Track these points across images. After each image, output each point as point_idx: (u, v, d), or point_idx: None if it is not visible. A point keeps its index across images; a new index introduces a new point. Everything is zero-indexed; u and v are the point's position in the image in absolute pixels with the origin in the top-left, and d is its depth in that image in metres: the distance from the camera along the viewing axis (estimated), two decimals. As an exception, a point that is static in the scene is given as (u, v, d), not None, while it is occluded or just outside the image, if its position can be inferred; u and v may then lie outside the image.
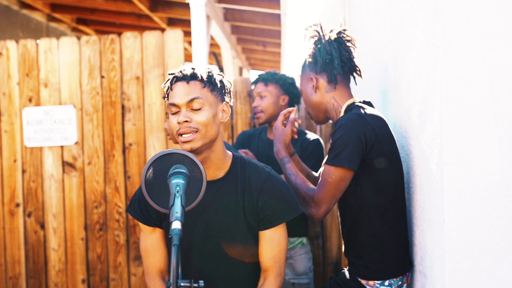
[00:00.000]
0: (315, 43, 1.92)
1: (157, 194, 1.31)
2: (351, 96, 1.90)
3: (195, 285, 1.11)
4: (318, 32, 1.93)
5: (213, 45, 6.38)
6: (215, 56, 6.53)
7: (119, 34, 3.51)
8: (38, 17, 6.07)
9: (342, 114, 1.85)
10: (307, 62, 1.96)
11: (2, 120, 3.54)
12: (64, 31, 6.77)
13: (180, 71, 1.54)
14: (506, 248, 1.38)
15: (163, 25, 5.80)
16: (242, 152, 2.44)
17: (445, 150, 1.40)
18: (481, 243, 1.39)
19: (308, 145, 2.49)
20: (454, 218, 1.40)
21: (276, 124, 2.00)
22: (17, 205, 3.53)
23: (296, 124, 2.05)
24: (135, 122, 3.44)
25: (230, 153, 1.64)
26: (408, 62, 1.77)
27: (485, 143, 1.38)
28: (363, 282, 1.77)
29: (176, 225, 1.09)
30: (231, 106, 1.65)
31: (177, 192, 1.20)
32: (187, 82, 1.51)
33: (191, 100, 1.49)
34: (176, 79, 1.53)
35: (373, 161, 1.72)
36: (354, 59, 1.93)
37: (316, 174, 2.16)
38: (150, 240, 1.66)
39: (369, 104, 1.91)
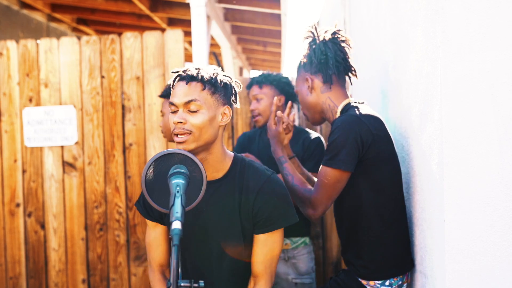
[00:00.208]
0: (310, 43, 1.93)
1: (158, 194, 1.31)
2: (346, 96, 1.90)
3: (195, 285, 1.11)
4: (313, 33, 1.93)
5: (214, 45, 6.38)
6: (215, 56, 6.52)
7: (119, 34, 3.51)
8: (39, 17, 6.07)
9: (338, 114, 1.86)
10: (302, 63, 1.96)
11: (3, 120, 3.54)
12: (64, 31, 6.77)
13: (184, 71, 1.53)
14: (506, 248, 1.38)
15: (163, 25, 5.80)
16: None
17: (445, 150, 1.40)
18: (481, 243, 1.39)
19: (310, 143, 2.49)
20: (454, 218, 1.40)
21: (269, 124, 2.00)
22: (18, 205, 3.53)
23: (295, 120, 2.03)
24: (136, 122, 3.44)
25: (231, 154, 1.63)
26: (408, 62, 1.77)
27: (486, 143, 1.38)
28: (364, 282, 1.77)
29: (176, 225, 1.09)
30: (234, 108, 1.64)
31: (177, 192, 1.20)
32: (187, 83, 1.50)
33: (188, 102, 1.48)
34: (179, 78, 1.53)
35: (370, 161, 1.72)
36: (349, 59, 1.93)
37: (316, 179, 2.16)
38: (154, 234, 1.68)
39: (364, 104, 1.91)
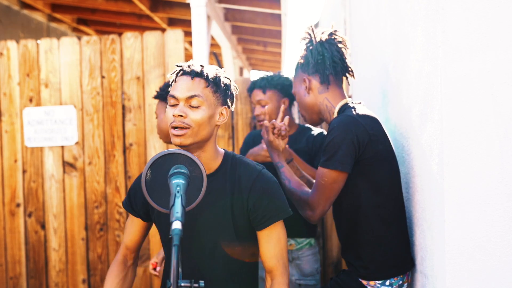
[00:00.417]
0: (307, 44, 1.94)
1: (158, 194, 1.31)
2: (344, 97, 1.90)
3: (195, 285, 1.11)
4: (310, 34, 1.94)
5: (214, 45, 6.38)
6: (215, 56, 6.52)
7: (120, 34, 3.52)
8: (39, 17, 6.07)
9: (335, 115, 1.86)
10: (299, 64, 1.96)
11: (3, 120, 3.54)
12: (65, 31, 6.78)
13: (189, 66, 1.54)
14: (507, 248, 1.38)
15: (164, 25, 5.80)
16: None
17: (446, 150, 1.40)
18: (481, 243, 1.39)
19: (314, 140, 2.48)
20: (455, 218, 1.40)
21: (262, 133, 2.02)
22: (18, 205, 3.53)
23: (285, 127, 2.01)
24: (136, 122, 3.44)
25: (222, 150, 1.64)
26: (409, 62, 1.77)
27: (486, 143, 1.38)
28: (364, 282, 1.77)
29: (177, 225, 1.09)
30: (232, 111, 1.65)
31: (178, 192, 1.20)
32: (192, 78, 1.51)
33: (191, 97, 1.49)
34: (183, 72, 1.53)
35: (368, 161, 1.73)
36: (346, 60, 1.93)
37: None
38: (130, 222, 1.74)
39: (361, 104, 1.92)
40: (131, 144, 3.44)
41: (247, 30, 6.14)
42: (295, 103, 2.69)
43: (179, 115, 1.47)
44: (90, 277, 3.49)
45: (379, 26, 2.30)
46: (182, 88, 1.50)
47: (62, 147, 3.50)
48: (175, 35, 3.43)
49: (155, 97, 2.41)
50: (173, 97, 1.50)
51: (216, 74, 1.56)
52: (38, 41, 3.56)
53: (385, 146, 1.77)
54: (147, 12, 5.07)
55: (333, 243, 3.38)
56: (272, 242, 1.60)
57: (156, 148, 3.39)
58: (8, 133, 3.54)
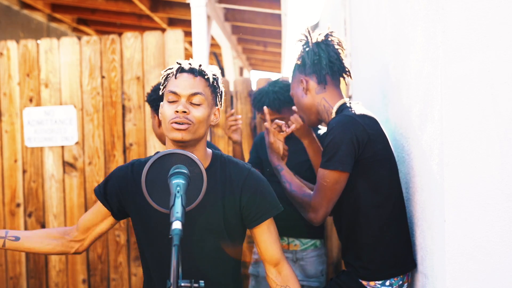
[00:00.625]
0: (303, 46, 1.95)
1: (158, 194, 1.31)
2: (341, 97, 1.91)
3: (195, 285, 1.11)
4: (306, 36, 1.95)
5: (214, 45, 6.38)
6: (215, 56, 6.52)
7: (120, 34, 3.52)
8: (39, 17, 6.07)
9: (333, 115, 1.86)
10: (296, 66, 1.98)
11: (3, 120, 3.54)
12: (65, 31, 6.77)
13: (189, 63, 1.55)
14: (507, 248, 1.38)
15: (164, 25, 5.80)
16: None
17: (446, 150, 1.40)
18: (481, 243, 1.39)
19: (320, 140, 2.47)
20: (455, 218, 1.40)
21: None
22: (18, 205, 3.53)
23: (286, 127, 2.03)
24: (136, 122, 3.44)
25: (210, 150, 1.65)
26: (409, 62, 1.77)
27: (486, 143, 1.38)
28: (364, 283, 1.76)
29: (177, 225, 1.09)
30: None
31: (178, 192, 1.20)
32: (195, 76, 1.52)
33: (194, 94, 1.50)
34: (184, 69, 1.54)
35: (367, 161, 1.73)
36: (343, 60, 1.93)
37: None
38: (98, 208, 1.68)
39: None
40: (131, 144, 3.44)
41: (247, 30, 6.14)
42: None
43: (183, 111, 1.48)
44: (90, 277, 3.49)
45: (379, 26, 2.30)
46: (184, 85, 1.51)
47: (62, 147, 3.50)
48: (175, 35, 3.44)
49: (150, 101, 2.38)
50: (175, 93, 1.51)
51: (214, 75, 1.59)
52: (38, 41, 3.56)
53: (384, 146, 1.77)
54: (147, 12, 5.07)
55: (333, 243, 3.38)
56: (273, 235, 1.63)
57: (156, 148, 3.39)
58: (8, 133, 3.54)
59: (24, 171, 3.53)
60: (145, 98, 3.42)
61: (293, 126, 2.02)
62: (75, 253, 1.72)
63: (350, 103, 1.87)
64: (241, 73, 8.38)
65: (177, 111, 1.48)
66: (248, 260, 3.49)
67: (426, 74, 1.55)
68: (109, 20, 5.99)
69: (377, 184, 1.75)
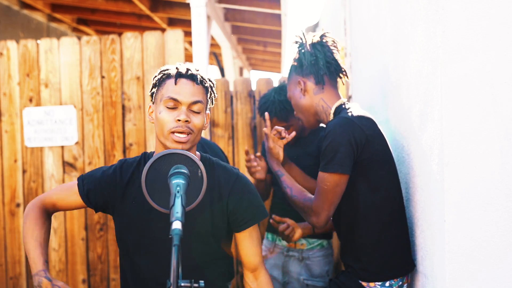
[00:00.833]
0: (299, 47, 1.95)
1: (158, 194, 1.31)
2: (339, 97, 1.91)
3: (195, 285, 1.11)
4: (301, 38, 1.96)
5: (214, 45, 6.38)
6: (215, 56, 6.52)
7: (120, 34, 3.52)
8: (39, 17, 6.07)
9: (331, 115, 1.87)
10: (293, 68, 1.98)
11: (3, 120, 3.54)
12: (65, 31, 6.77)
13: (188, 69, 1.53)
14: (507, 248, 1.38)
15: (164, 25, 5.80)
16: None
17: (446, 150, 1.40)
18: (481, 243, 1.39)
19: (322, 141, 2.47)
20: (455, 218, 1.40)
21: (263, 141, 2.03)
22: (18, 205, 3.53)
23: (286, 135, 2.05)
24: (136, 122, 3.44)
25: (198, 153, 1.65)
26: (409, 62, 1.77)
27: (486, 143, 1.38)
28: (364, 284, 1.76)
29: (177, 225, 1.09)
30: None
31: (178, 192, 1.20)
32: (196, 83, 1.51)
33: (195, 102, 1.50)
34: (183, 75, 1.51)
35: (366, 162, 1.73)
36: (339, 61, 1.94)
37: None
38: (74, 193, 1.62)
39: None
40: (131, 144, 3.44)
41: (247, 30, 6.13)
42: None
43: (186, 120, 1.46)
44: (90, 277, 3.49)
45: (379, 26, 2.30)
46: (185, 92, 1.49)
47: (62, 147, 3.50)
48: (175, 35, 3.43)
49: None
50: (176, 100, 1.48)
51: (211, 81, 1.59)
52: (38, 41, 3.56)
53: (382, 146, 1.77)
54: (147, 12, 5.07)
55: (333, 243, 3.38)
56: (255, 242, 1.64)
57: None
58: (8, 133, 3.54)
59: (24, 171, 3.53)
60: (145, 98, 3.42)
61: (293, 134, 2.03)
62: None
63: (347, 103, 1.88)
64: (241, 73, 8.38)
65: (179, 120, 1.46)
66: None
67: (426, 74, 1.55)
68: (109, 20, 5.99)
69: (376, 185, 1.75)
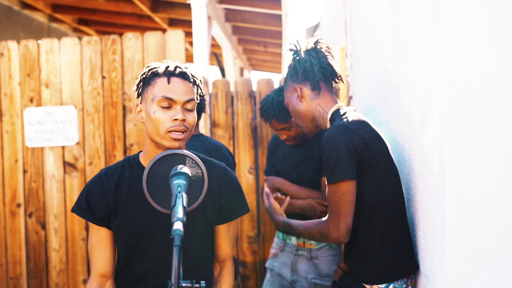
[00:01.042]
0: (293, 55, 1.97)
1: (159, 195, 1.31)
2: (335, 102, 1.93)
3: (197, 285, 1.11)
4: (295, 45, 1.98)
5: (214, 45, 6.38)
6: (216, 57, 6.53)
7: (120, 34, 3.52)
8: (39, 17, 6.08)
9: (328, 121, 1.88)
10: (288, 75, 2.01)
11: (4, 120, 3.54)
12: (65, 32, 6.78)
13: (177, 67, 1.53)
14: (507, 249, 1.38)
15: (164, 26, 5.80)
16: (271, 180, 2.54)
17: (446, 151, 1.40)
18: (482, 244, 1.39)
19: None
20: (456, 219, 1.40)
21: (263, 202, 2.22)
22: (18, 205, 3.53)
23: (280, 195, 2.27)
24: (136, 122, 3.44)
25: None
26: (409, 63, 1.77)
27: (487, 144, 1.38)
28: (367, 286, 1.76)
29: (178, 225, 1.09)
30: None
31: (179, 192, 1.20)
32: (188, 81, 1.51)
33: (189, 101, 1.49)
34: (175, 74, 1.51)
35: (366, 164, 1.73)
36: (334, 66, 1.95)
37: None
38: (96, 238, 1.56)
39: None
40: (131, 145, 3.45)
41: (248, 30, 6.14)
42: None
43: (183, 119, 1.46)
44: (90, 277, 3.49)
45: (380, 27, 2.30)
46: (179, 91, 1.48)
47: (63, 147, 3.50)
48: (175, 35, 3.44)
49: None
50: (171, 99, 1.47)
51: (198, 77, 1.59)
52: (39, 42, 3.56)
53: (380, 147, 1.77)
54: (148, 12, 5.07)
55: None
56: (230, 235, 1.67)
57: (156, 148, 3.39)
58: (8, 133, 3.54)
59: (24, 171, 3.53)
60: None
61: (288, 199, 2.21)
62: None
63: (342, 108, 1.89)
64: (241, 74, 8.39)
65: (176, 119, 1.45)
66: (248, 260, 3.50)
67: (427, 74, 1.55)
68: (110, 20, 6.00)
69: (378, 186, 1.75)
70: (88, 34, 7.01)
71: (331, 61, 1.96)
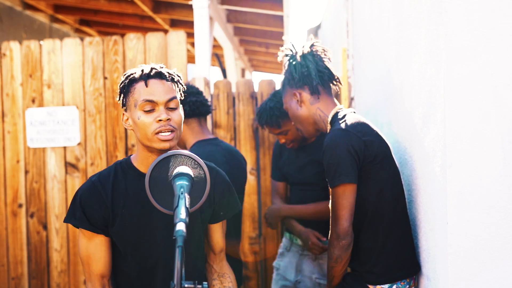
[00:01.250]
0: (289, 60, 1.97)
1: (161, 196, 1.31)
2: (335, 105, 1.94)
3: (199, 286, 1.11)
4: (291, 50, 1.98)
5: (216, 46, 6.38)
6: (218, 57, 6.53)
7: (122, 35, 3.52)
8: (41, 18, 6.08)
9: (329, 124, 1.88)
10: (286, 80, 2.00)
11: (5, 121, 3.55)
12: (67, 32, 6.78)
13: (152, 69, 1.50)
14: (509, 250, 1.38)
15: (166, 27, 5.80)
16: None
17: (448, 152, 1.40)
18: (484, 246, 1.39)
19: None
20: (457, 220, 1.40)
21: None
22: (20, 205, 3.54)
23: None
24: (138, 123, 3.44)
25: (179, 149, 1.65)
26: (412, 64, 1.77)
27: (488, 145, 1.38)
28: (371, 287, 1.76)
29: (180, 226, 1.09)
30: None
31: (181, 193, 1.20)
32: (166, 80, 1.50)
33: (170, 99, 1.48)
34: (151, 76, 1.49)
35: (368, 166, 1.73)
36: (331, 68, 1.95)
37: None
38: (93, 246, 1.54)
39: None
40: (133, 145, 3.45)
41: (249, 31, 6.14)
42: None
43: (167, 119, 1.45)
44: (91, 278, 3.49)
45: (382, 28, 2.30)
46: (159, 91, 1.47)
47: (65, 147, 3.50)
48: (177, 36, 3.44)
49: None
50: (152, 101, 1.46)
51: (178, 74, 1.57)
52: (41, 42, 3.56)
53: (381, 149, 1.77)
54: (150, 13, 5.08)
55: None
56: (223, 229, 1.72)
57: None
58: (10, 133, 3.54)
59: (26, 172, 3.54)
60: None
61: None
62: None
63: (341, 111, 1.89)
64: (243, 75, 8.39)
65: (160, 120, 1.44)
66: (250, 260, 3.50)
67: (429, 76, 1.55)
68: (112, 21, 6.00)
69: (380, 188, 1.75)
70: (90, 35, 7.02)
71: (327, 63, 1.96)
